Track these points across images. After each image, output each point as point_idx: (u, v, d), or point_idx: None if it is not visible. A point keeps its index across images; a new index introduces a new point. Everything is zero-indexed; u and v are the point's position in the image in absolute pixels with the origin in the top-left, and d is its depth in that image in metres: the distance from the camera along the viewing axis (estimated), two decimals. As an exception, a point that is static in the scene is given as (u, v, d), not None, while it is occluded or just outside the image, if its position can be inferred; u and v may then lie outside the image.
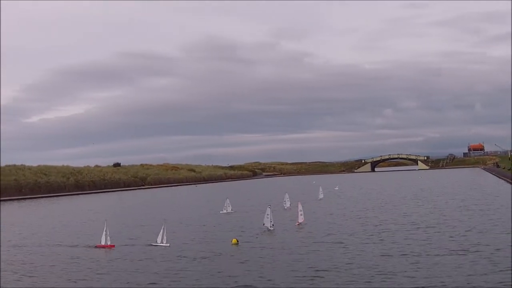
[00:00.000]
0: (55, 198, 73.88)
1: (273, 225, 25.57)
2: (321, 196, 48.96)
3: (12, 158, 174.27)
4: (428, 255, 17.71)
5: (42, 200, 69.90)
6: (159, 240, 22.40)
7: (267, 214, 25.65)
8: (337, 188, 65.88)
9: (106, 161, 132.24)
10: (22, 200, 68.84)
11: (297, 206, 29.00)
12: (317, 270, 16.01)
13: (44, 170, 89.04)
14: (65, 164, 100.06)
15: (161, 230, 22.61)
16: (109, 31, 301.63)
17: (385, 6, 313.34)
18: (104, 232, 22.75)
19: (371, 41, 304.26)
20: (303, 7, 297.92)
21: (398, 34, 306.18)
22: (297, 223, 27.98)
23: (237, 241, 22.21)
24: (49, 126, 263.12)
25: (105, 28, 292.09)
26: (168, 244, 21.94)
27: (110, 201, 63.53)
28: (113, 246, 22.39)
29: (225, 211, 37.63)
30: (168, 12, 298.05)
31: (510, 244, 18.72)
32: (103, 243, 22.60)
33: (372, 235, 23.12)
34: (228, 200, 38.79)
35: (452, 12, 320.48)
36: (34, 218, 40.54)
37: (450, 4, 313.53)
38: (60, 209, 52.21)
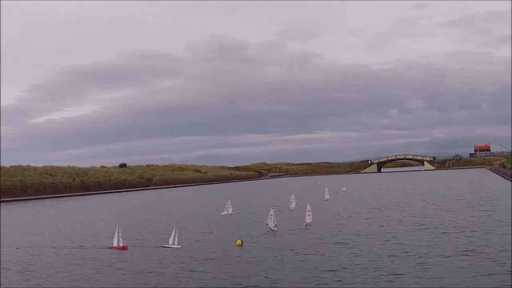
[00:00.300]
0: (60, 198, 74.05)
1: (276, 225, 25.50)
2: (327, 196, 48.87)
3: (17, 158, 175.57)
4: (434, 255, 17.65)
5: (48, 200, 70.09)
6: (170, 241, 22.44)
7: (271, 215, 25.62)
8: (344, 189, 65.77)
9: (111, 162, 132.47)
10: (28, 201, 69.03)
11: (305, 207, 28.88)
12: (323, 271, 15.99)
13: (49, 171, 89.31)
14: (71, 165, 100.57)
15: (173, 232, 22.64)
16: (110, 31, 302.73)
17: (392, 6, 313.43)
18: (116, 234, 22.68)
19: (377, 42, 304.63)
20: (309, 8, 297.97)
21: (405, 34, 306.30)
22: (304, 224, 27.90)
23: (242, 242, 22.16)
24: (55, 126, 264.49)
25: (106, 28, 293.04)
26: (179, 246, 21.96)
27: (116, 202, 63.59)
28: (126, 247, 22.34)
29: (226, 212, 37.48)
30: (168, 12, 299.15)
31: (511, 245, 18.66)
32: (115, 244, 22.51)
33: (378, 235, 23.08)
34: (229, 201, 38.58)
35: (459, 12, 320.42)
36: (40, 219, 40.60)
37: (456, 4, 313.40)
38: (66, 210, 52.26)
